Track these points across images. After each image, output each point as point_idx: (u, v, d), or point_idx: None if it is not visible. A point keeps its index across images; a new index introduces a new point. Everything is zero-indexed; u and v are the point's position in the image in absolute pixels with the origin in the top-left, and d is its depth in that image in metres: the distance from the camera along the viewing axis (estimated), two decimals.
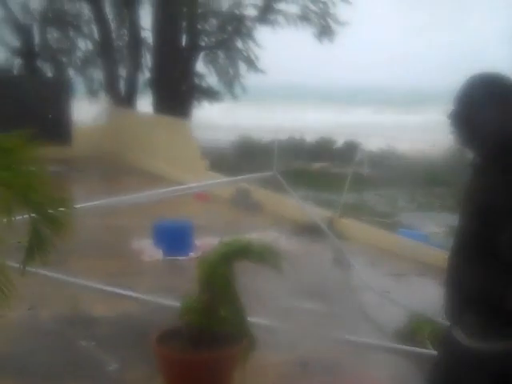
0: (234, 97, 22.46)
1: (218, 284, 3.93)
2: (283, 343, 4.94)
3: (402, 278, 7.41)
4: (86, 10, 20.97)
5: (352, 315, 6.04)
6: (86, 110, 17.74)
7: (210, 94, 22.24)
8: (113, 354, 4.66)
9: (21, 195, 2.91)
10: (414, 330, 5.21)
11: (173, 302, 4.79)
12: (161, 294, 5.78)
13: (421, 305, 5.76)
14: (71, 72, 21.61)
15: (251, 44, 21.48)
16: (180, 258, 7.58)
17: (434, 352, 4.75)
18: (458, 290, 2.16)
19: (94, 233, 7.99)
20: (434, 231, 9.90)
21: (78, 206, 5.91)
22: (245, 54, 21.66)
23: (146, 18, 20.07)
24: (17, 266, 2.89)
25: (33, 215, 2.94)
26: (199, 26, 20.98)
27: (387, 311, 6.03)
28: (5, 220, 2.76)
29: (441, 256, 8.09)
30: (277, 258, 4.03)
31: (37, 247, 2.95)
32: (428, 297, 6.52)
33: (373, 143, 21.72)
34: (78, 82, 21.19)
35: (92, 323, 5.34)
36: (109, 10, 20.36)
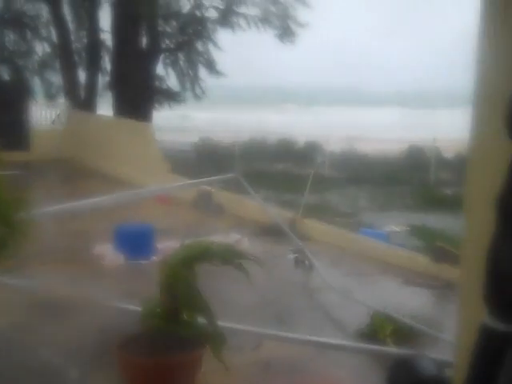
0: (195, 99, 22.43)
1: (180, 287, 3.91)
2: (245, 345, 4.94)
3: (364, 277, 7.48)
4: (43, 12, 20.71)
5: (314, 315, 6.07)
6: (44, 114, 17.47)
7: (171, 97, 22.15)
8: (73, 360, 4.59)
9: None
10: (375, 329, 5.26)
11: (135, 307, 4.74)
12: (123, 299, 5.72)
13: (382, 304, 5.83)
14: (29, 75, 21.28)
15: (212, 46, 21.50)
16: (142, 262, 7.51)
17: (396, 350, 4.82)
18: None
19: (53, 238, 7.86)
20: (395, 230, 10.03)
21: (38, 210, 5.84)
22: (205, 56, 21.64)
23: (105, 20, 19.94)
24: None
25: None
26: (160, 28, 20.87)
27: (349, 311, 6.07)
28: None
29: (401, 255, 8.23)
30: (239, 259, 4.04)
31: None
32: (389, 296, 6.62)
33: (334, 144, 21.95)
34: (36, 86, 20.89)
35: (51, 330, 5.25)
36: (67, 12, 20.13)
